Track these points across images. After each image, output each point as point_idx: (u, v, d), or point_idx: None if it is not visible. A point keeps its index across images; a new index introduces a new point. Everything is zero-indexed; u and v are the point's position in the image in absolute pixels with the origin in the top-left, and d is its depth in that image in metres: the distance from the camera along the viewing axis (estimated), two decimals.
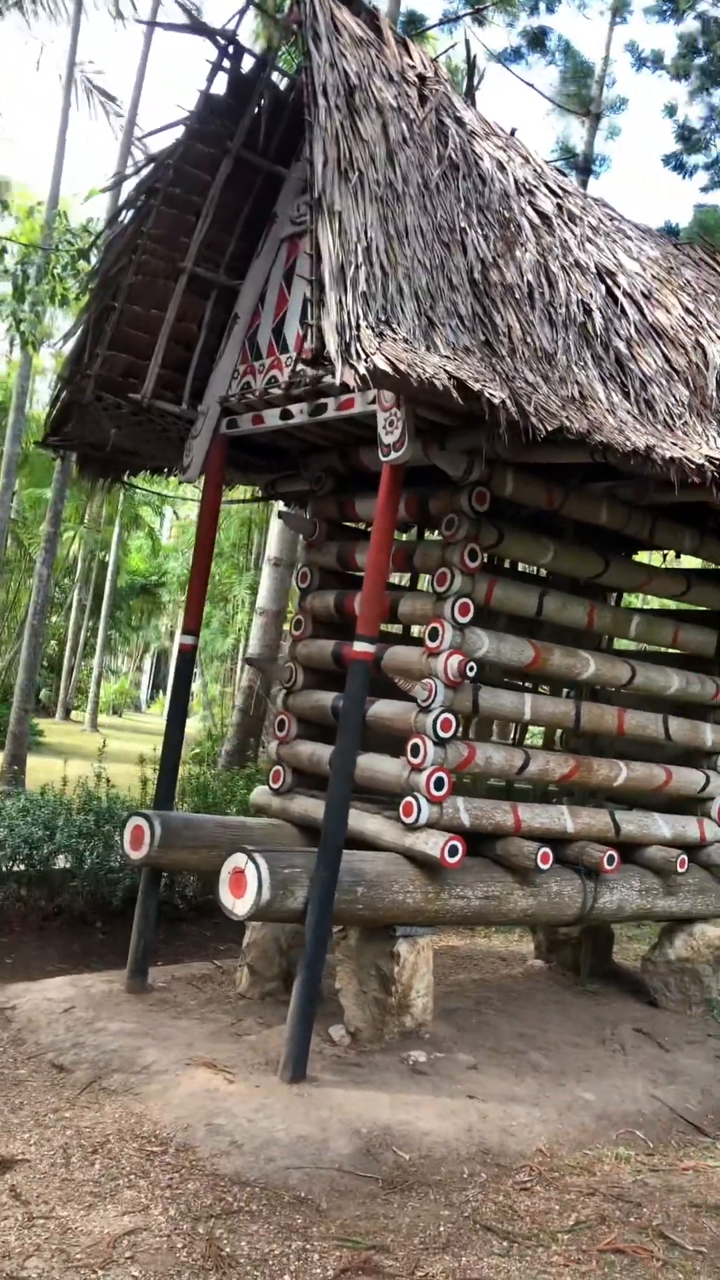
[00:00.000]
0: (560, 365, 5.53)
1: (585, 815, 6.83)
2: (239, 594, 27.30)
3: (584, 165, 19.82)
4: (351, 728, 5.55)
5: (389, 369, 4.67)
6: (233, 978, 7.15)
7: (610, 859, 6.66)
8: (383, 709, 6.38)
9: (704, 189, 20.79)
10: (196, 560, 6.96)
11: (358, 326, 4.84)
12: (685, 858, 7.13)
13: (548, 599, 6.55)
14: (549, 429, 5.01)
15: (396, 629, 7.18)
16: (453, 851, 5.84)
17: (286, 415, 6.36)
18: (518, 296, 5.64)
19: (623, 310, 6.18)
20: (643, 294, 6.47)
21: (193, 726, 37.32)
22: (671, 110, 19.90)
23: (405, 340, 4.90)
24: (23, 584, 28.00)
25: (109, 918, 8.44)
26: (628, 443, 5.26)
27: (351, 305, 4.88)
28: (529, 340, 5.47)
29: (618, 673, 6.95)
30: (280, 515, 7.23)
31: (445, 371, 4.79)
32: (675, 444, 5.62)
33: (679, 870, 7.12)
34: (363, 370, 4.71)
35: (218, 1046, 5.91)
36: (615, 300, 6.20)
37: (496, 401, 4.82)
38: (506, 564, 7.55)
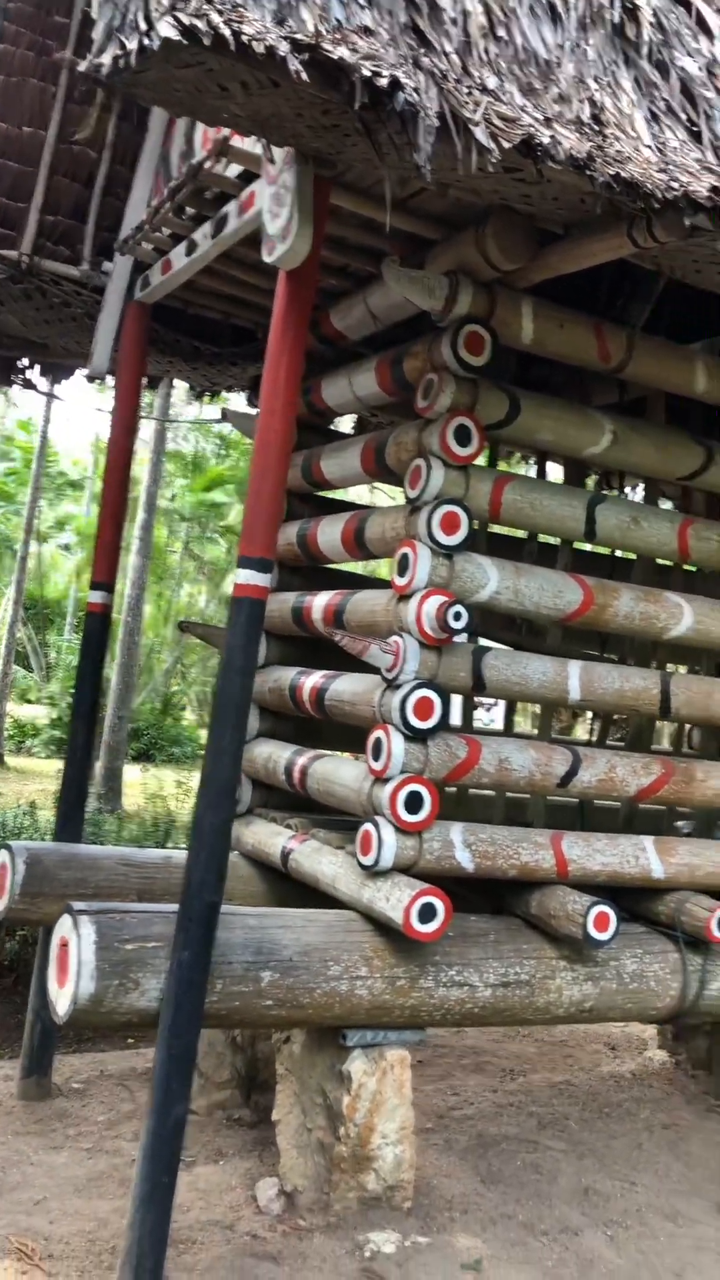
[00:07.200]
0: (564, 78, 3.19)
1: (685, 851, 4.37)
2: None
3: None
4: (231, 707, 3.37)
5: (177, 34, 2.51)
6: None
7: None
8: (344, 687, 4.16)
9: None
10: (107, 490, 4.90)
11: None
12: None
13: (603, 509, 4.15)
14: (505, 145, 2.71)
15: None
16: (425, 914, 3.56)
17: (192, 248, 4.26)
18: None
19: (700, 20, 3.76)
20: None
21: None
22: None
23: (237, 6, 2.70)
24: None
25: None
26: (672, 185, 2.89)
27: None
28: (501, 36, 3.16)
29: None
30: (223, 414, 5.16)
31: (288, 40, 2.58)
32: None
33: None
34: (133, 46, 2.57)
35: (82, 1205, 3.85)
36: (687, 5, 3.80)
37: (383, 82, 2.57)
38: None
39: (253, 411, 5.58)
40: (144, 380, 5.04)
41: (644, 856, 4.24)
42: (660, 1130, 4.94)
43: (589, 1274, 3.68)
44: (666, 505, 5.73)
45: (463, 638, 3.83)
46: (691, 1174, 4.54)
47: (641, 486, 5.33)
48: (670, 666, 5.49)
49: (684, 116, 3.43)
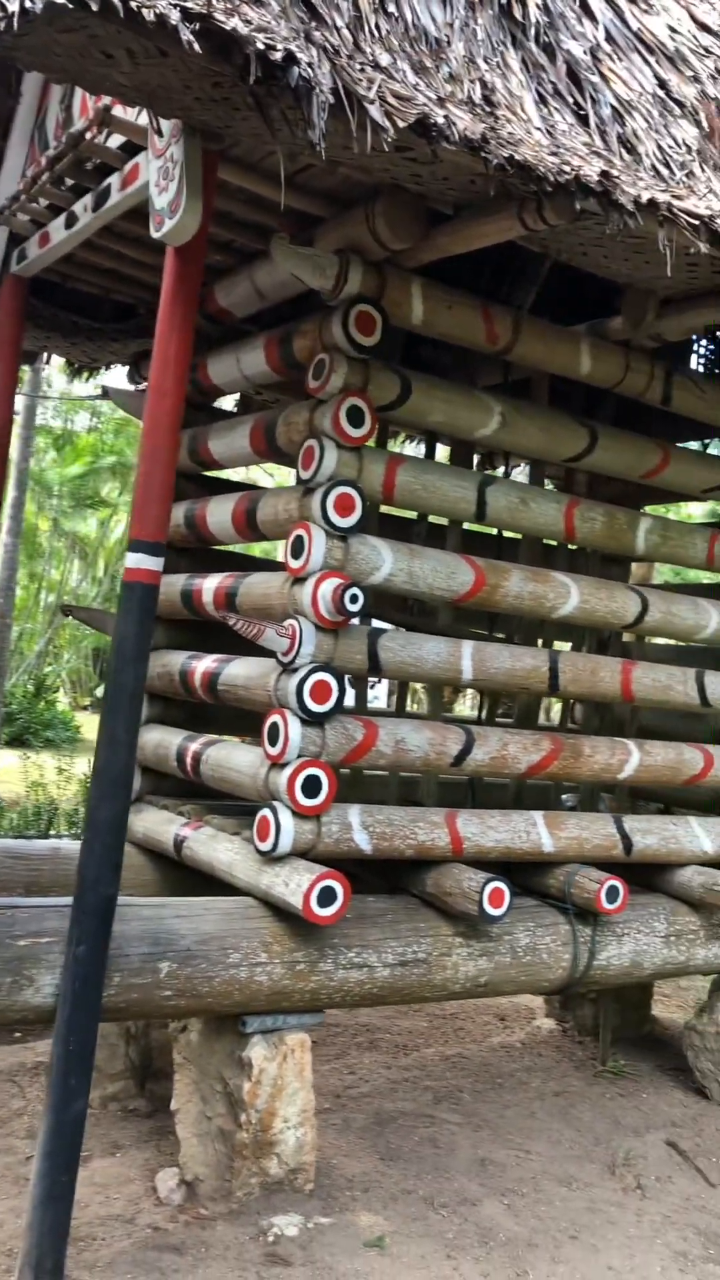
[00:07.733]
0: (455, 57, 3.18)
1: (574, 825, 4.46)
2: None
3: None
4: (124, 696, 3.29)
5: None
6: None
7: (612, 891, 4.30)
8: (237, 671, 4.12)
9: None
10: None
11: None
12: None
13: (494, 491, 4.19)
14: (400, 124, 2.69)
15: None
16: (325, 898, 3.56)
17: (72, 221, 4.12)
18: None
19: (584, 4, 3.80)
20: None
21: None
22: None
23: None
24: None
25: None
26: (564, 168, 2.91)
27: None
28: (392, 11, 3.14)
29: (618, 605, 4.56)
30: (104, 391, 5.04)
31: (179, 9, 2.50)
32: (667, 192, 3.23)
33: None
34: (14, 8, 2.46)
35: None
36: None
37: (277, 56, 2.52)
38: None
39: (133, 388, 5.45)
40: (21, 357, 4.87)
41: (535, 831, 4.31)
42: (551, 1098, 5.06)
43: (489, 1242, 3.75)
44: (549, 486, 5.82)
45: (357, 620, 3.82)
46: (582, 1139, 4.66)
47: (525, 467, 5.39)
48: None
49: (571, 99, 3.46)
